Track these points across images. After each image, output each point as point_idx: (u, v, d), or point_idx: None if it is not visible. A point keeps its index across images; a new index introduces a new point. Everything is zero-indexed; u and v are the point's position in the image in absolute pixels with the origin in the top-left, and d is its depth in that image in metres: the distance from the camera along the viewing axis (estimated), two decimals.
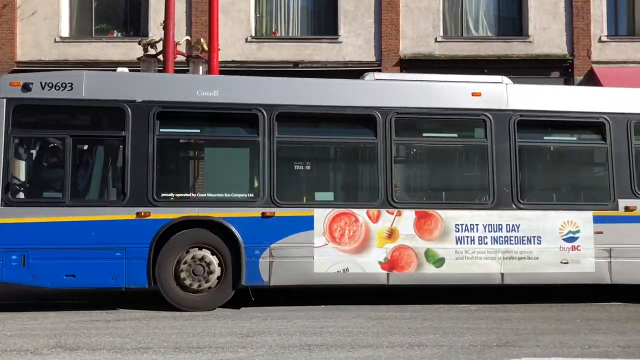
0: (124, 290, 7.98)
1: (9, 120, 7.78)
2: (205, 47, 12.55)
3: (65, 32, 17.08)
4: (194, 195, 8.33)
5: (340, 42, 16.99)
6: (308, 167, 9.28)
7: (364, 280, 8.28)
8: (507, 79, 9.07)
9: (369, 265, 8.18)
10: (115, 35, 17.38)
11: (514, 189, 8.49)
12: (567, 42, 17.01)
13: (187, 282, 7.90)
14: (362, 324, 7.15)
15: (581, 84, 16.48)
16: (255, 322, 7.18)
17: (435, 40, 17.01)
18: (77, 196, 7.96)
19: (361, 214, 8.23)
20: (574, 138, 9.31)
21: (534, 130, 8.91)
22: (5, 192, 7.70)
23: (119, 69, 8.76)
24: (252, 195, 8.20)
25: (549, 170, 9.39)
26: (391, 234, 8.25)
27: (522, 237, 8.43)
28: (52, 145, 8.07)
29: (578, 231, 8.51)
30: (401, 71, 16.65)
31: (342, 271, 8.12)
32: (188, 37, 14.68)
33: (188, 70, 12.73)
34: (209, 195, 8.18)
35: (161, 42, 12.23)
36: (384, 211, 8.26)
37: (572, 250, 8.48)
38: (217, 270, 7.97)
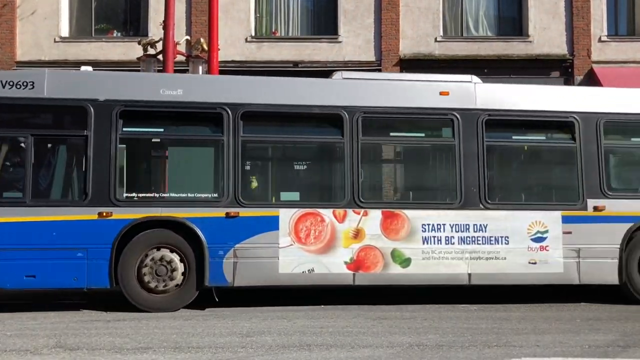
0: (85, 291, 7.90)
1: None
2: (205, 47, 12.54)
3: (65, 31, 17.08)
4: (157, 195, 8.18)
5: (340, 42, 16.99)
6: (274, 167, 9.20)
7: (330, 280, 8.21)
8: (477, 78, 8.97)
9: (334, 266, 8.12)
10: (115, 35, 17.38)
11: (481, 188, 8.43)
12: (567, 42, 17.00)
13: (150, 282, 7.80)
14: (362, 323, 7.15)
15: (581, 83, 16.49)
16: (255, 322, 7.18)
17: (435, 40, 17.01)
18: (38, 196, 7.82)
19: (327, 213, 8.16)
20: (543, 137, 9.25)
21: (503, 129, 8.85)
22: None
23: (83, 68, 8.66)
24: (216, 195, 8.09)
25: (517, 170, 9.35)
26: (357, 234, 8.19)
27: (490, 237, 8.37)
28: (13, 144, 7.94)
29: (546, 231, 8.45)
30: (401, 71, 16.67)
31: (307, 272, 8.06)
32: (188, 37, 14.69)
33: (188, 70, 12.73)
34: (173, 195, 8.12)
35: (161, 42, 12.22)
36: (350, 211, 8.19)
37: (540, 250, 8.43)
38: (181, 271, 7.88)
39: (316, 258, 8.09)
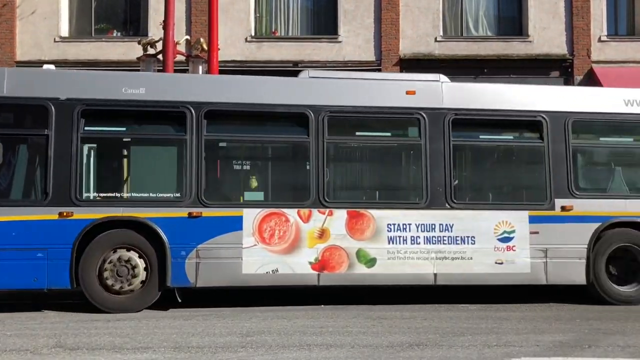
0: (46, 291, 7.84)
1: None
2: (205, 47, 12.54)
3: (64, 31, 17.08)
4: (119, 195, 8.14)
5: (340, 42, 16.99)
6: (237, 166, 9.11)
7: (294, 281, 8.14)
8: (445, 77, 8.90)
9: (299, 266, 8.06)
10: (114, 35, 17.39)
11: (447, 188, 8.38)
12: (567, 41, 17.01)
13: (111, 283, 7.73)
14: (362, 323, 7.15)
15: (581, 83, 16.50)
16: (255, 322, 7.18)
17: (435, 40, 17.02)
18: None
19: (292, 213, 8.11)
20: (511, 137, 9.17)
21: (470, 128, 8.79)
22: None
23: (45, 66, 8.59)
24: (178, 195, 8.01)
25: (484, 170, 9.29)
26: (322, 234, 8.14)
27: (456, 237, 8.32)
28: None
29: (513, 231, 8.40)
30: (401, 71, 16.69)
31: (271, 272, 8.00)
32: (188, 37, 14.70)
33: (188, 70, 12.73)
34: (134, 195, 8.05)
35: (161, 42, 12.23)
36: (315, 211, 8.14)
37: (507, 250, 8.37)
38: (142, 272, 7.82)
39: (280, 258, 8.03)
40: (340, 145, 8.89)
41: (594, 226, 8.51)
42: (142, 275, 7.82)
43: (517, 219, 8.42)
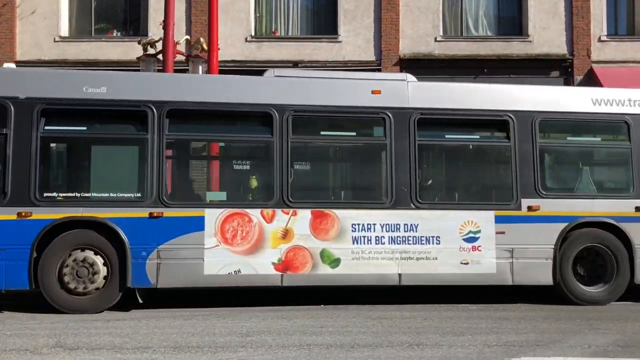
0: (4, 292, 7.74)
1: None
2: (205, 47, 12.53)
3: (64, 31, 17.07)
4: (79, 195, 7.95)
5: (340, 42, 16.99)
6: (200, 166, 9.07)
7: (257, 282, 8.08)
8: (412, 76, 8.82)
9: (262, 267, 7.98)
10: (114, 34, 17.38)
11: (412, 188, 8.31)
12: (567, 41, 17.01)
13: (71, 284, 7.64)
14: (362, 323, 7.15)
15: (581, 83, 16.50)
16: (255, 322, 7.18)
17: (435, 40, 17.02)
18: None
19: (255, 214, 8.02)
20: (477, 136, 9.13)
21: (435, 128, 8.74)
22: None
23: (5, 65, 8.55)
24: (139, 195, 7.91)
25: (450, 169, 9.28)
26: (286, 234, 8.06)
27: (421, 237, 8.26)
28: None
29: (479, 231, 8.33)
30: (401, 71, 16.67)
31: (233, 273, 7.92)
32: (188, 37, 14.69)
33: (188, 69, 12.73)
34: (95, 195, 7.96)
35: (161, 42, 12.22)
36: (279, 211, 8.06)
37: (473, 250, 8.31)
38: (103, 272, 7.71)
39: (243, 259, 7.95)
40: (305, 144, 8.85)
41: (561, 226, 8.47)
42: (103, 276, 7.73)
43: (482, 219, 8.36)
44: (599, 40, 17.02)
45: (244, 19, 16.96)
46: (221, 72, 12.38)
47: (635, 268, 8.56)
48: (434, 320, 7.35)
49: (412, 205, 8.31)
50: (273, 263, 8.02)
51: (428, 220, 8.29)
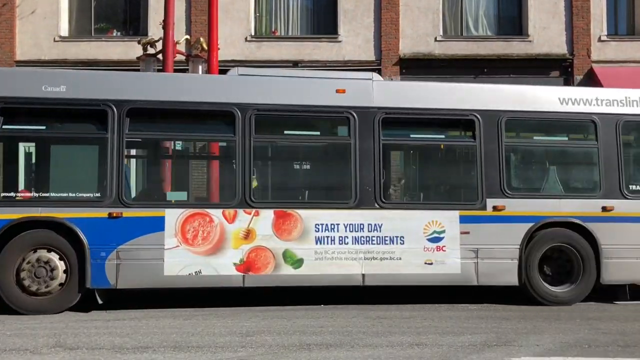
0: None
1: None
2: (205, 47, 12.53)
3: (64, 31, 17.06)
4: (37, 194, 7.88)
5: (340, 42, 16.98)
6: (160, 166, 8.96)
7: (218, 282, 7.98)
8: (378, 75, 8.76)
9: (223, 267, 7.89)
10: (114, 34, 17.37)
11: (377, 188, 8.22)
12: (567, 41, 17.01)
13: (29, 285, 7.54)
14: (362, 323, 7.15)
15: (581, 83, 16.50)
16: (255, 322, 7.17)
17: (435, 40, 17.01)
18: None
19: (216, 214, 7.92)
20: (443, 136, 9.04)
21: (401, 128, 8.67)
22: None
23: None
24: (99, 194, 7.80)
25: (415, 169, 9.22)
26: (248, 235, 7.96)
27: (385, 237, 8.17)
28: None
29: (443, 231, 8.25)
30: (401, 71, 16.71)
31: (194, 274, 7.83)
32: (188, 37, 14.68)
33: (188, 69, 12.72)
34: (54, 194, 7.79)
35: (161, 42, 12.22)
36: (241, 211, 7.95)
37: (437, 250, 8.24)
38: (61, 273, 7.62)
39: (204, 260, 7.87)
40: (268, 144, 8.79)
41: (527, 226, 8.41)
42: (61, 276, 7.64)
43: (447, 219, 8.29)
44: (599, 40, 17.02)
45: (243, 18, 16.95)
46: (221, 72, 12.38)
47: (601, 268, 8.49)
48: (433, 320, 7.35)
49: (376, 205, 8.22)
50: (235, 264, 7.93)
51: (392, 220, 8.21)
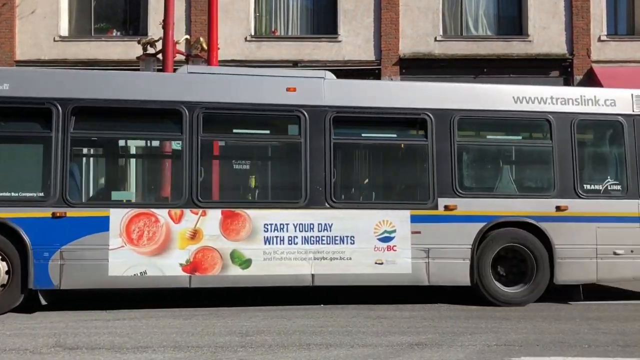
0: None
1: None
2: (205, 46, 12.53)
3: (64, 31, 17.07)
4: None
5: (340, 42, 16.98)
6: (106, 165, 8.83)
7: (164, 283, 7.88)
8: (330, 74, 8.63)
9: (169, 268, 7.78)
10: (114, 34, 17.38)
11: (327, 187, 8.12)
12: (567, 41, 17.01)
13: None
14: (362, 323, 7.15)
15: (581, 83, 16.50)
16: (255, 322, 7.17)
17: (435, 40, 17.02)
18: None
19: (162, 214, 7.81)
20: (394, 135, 8.95)
21: (352, 127, 8.59)
22: None
23: None
24: (42, 194, 7.64)
25: (366, 168, 9.15)
26: (195, 235, 7.85)
27: (335, 237, 8.08)
28: None
29: (394, 231, 8.16)
30: (401, 70, 16.71)
31: (139, 274, 7.72)
32: (187, 36, 14.70)
33: None
34: None
35: (160, 41, 12.22)
36: (187, 211, 7.84)
37: (388, 250, 8.15)
38: (3, 274, 7.51)
39: (149, 260, 7.76)
40: (217, 143, 8.68)
41: (479, 226, 8.33)
42: (3, 277, 7.53)
43: (398, 219, 8.20)
44: (599, 40, 17.03)
45: (243, 18, 16.95)
46: None
47: (554, 268, 8.42)
48: (433, 320, 7.35)
49: (326, 204, 8.12)
50: (181, 264, 7.83)
51: (342, 219, 8.12)
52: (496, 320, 7.42)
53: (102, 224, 7.69)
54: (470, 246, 8.31)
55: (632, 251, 8.60)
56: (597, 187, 8.75)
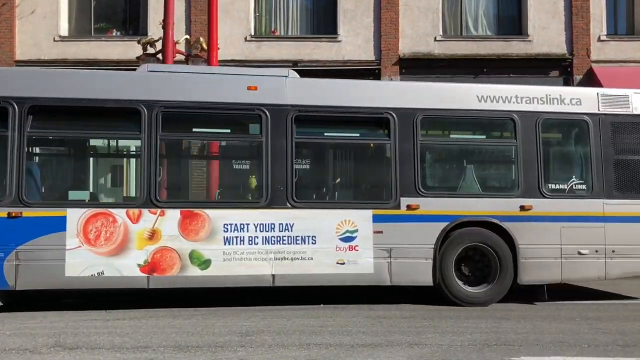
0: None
1: None
2: (205, 46, 12.54)
3: (64, 31, 17.07)
4: None
5: (340, 42, 16.98)
6: (63, 164, 8.77)
7: (122, 284, 7.82)
8: (294, 72, 8.57)
9: (127, 268, 7.72)
10: (114, 34, 17.38)
11: (289, 187, 8.07)
12: (567, 41, 17.01)
13: None
14: (362, 323, 7.15)
15: (580, 83, 16.50)
16: (255, 321, 7.17)
17: (435, 40, 17.01)
18: None
19: (120, 214, 7.75)
20: (357, 134, 8.88)
21: (314, 126, 8.53)
22: None
23: None
24: None
25: (328, 168, 9.11)
26: (153, 235, 7.79)
27: (296, 237, 8.03)
28: None
29: (356, 230, 8.12)
30: (401, 70, 16.71)
31: (96, 274, 7.65)
32: (187, 36, 14.71)
33: None
34: None
35: (160, 41, 12.23)
36: (145, 211, 7.78)
37: (349, 250, 8.11)
38: None
39: (107, 260, 7.70)
40: (176, 142, 8.64)
41: (441, 225, 8.28)
42: None
43: (360, 218, 8.15)
44: (599, 39, 17.03)
45: (243, 18, 16.95)
46: None
47: (518, 268, 8.38)
48: (433, 320, 7.35)
49: (288, 204, 8.07)
50: (139, 265, 7.77)
51: (304, 219, 8.07)
52: (496, 320, 7.42)
53: (59, 224, 7.62)
54: (433, 246, 8.27)
55: (596, 251, 8.56)
56: (562, 186, 8.69)
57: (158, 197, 7.89)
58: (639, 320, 7.54)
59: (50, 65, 15.87)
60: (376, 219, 8.19)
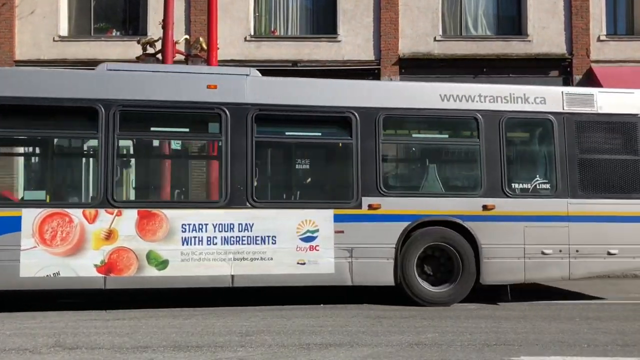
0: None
1: None
2: (204, 46, 12.54)
3: (64, 31, 17.06)
4: None
5: (340, 41, 16.98)
6: (18, 164, 8.72)
7: (78, 284, 7.72)
8: (255, 71, 8.52)
9: (83, 269, 7.64)
10: (114, 34, 17.38)
11: (248, 186, 8.01)
12: (566, 41, 17.02)
13: None
14: (361, 322, 7.15)
15: (580, 83, 16.51)
16: (255, 321, 7.17)
17: (435, 40, 17.02)
18: None
19: (77, 214, 7.67)
20: (318, 133, 8.82)
21: (275, 125, 8.48)
22: None
23: None
24: None
25: (289, 167, 9.09)
26: (110, 235, 7.71)
27: (256, 237, 7.97)
28: None
29: (317, 230, 8.07)
30: (400, 70, 16.71)
31: (52, 275, 7.57)
32: (187, 36, 14.70)
33: None
34: None
35: (160, 41, 12.23)
36: (102, 211, 7.70)
37: (310, 250, 8.06)
38: None
39: (63, 261, 7.61)
40: (134, 141, 8.56)
41: (403, 225, 8.25)
42: None
43: (321, 218, 8.10)
44: (598, 39, 17.03)
45: (243, 18, 16.95)
46: None
47: (481, 268, 8.34)
48: (433, 320, 7.35)
49: (247, 204, 8.00)
50: (95, 265, 7.69)
51: (264, 219, 8.01)
52: (496, 320, 7.43)
53: (14, 224, 7.55)
54: (395, 245, 8.23)
55: (560, 251, 8.53)
56: (525, 186, 8.66)
57: (115, 197, 7.83)
58: (639, 320, 7.54)
59: (51, 65, 15.87)
60: (337, 218, 8.16)
